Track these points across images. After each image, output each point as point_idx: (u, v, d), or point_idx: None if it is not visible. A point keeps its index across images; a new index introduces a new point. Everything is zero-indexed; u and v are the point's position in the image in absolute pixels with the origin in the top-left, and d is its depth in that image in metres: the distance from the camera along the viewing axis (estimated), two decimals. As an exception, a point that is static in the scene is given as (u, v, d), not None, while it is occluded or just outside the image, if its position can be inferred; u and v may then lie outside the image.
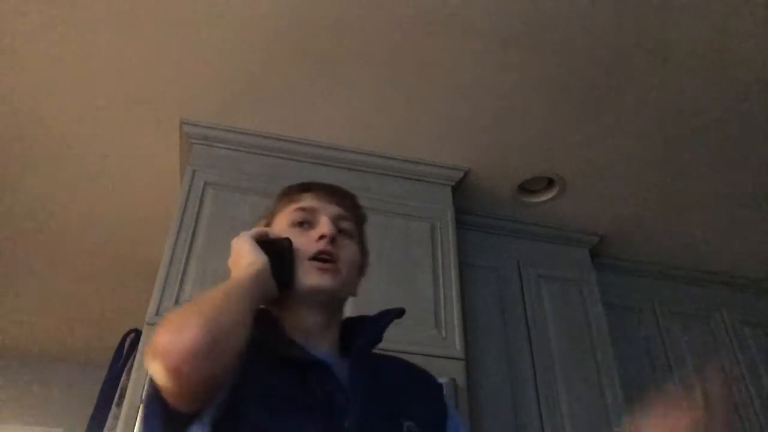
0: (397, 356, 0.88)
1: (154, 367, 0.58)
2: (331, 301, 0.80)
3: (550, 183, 2.27)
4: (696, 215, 2.39)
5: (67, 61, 1.77)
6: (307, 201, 0.84)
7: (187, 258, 1.72)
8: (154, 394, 0.63)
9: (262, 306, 0.77)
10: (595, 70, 1.79)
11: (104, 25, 1.67)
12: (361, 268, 0.88)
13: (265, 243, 0.78)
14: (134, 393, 1.44)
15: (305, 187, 0.87)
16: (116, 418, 1.56)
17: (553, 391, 2.00)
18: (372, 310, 0.85)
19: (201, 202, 1.85)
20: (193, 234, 1.77)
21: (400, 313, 0.84)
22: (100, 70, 1.80)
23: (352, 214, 0.87)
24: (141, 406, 0.67)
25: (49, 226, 2.50)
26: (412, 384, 0.83)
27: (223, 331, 0.60)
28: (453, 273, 1.93)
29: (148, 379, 0.63)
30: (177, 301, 1.62)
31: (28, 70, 1.81)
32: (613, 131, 2.01)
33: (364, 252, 0.89)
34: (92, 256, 2.69)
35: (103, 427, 1.72)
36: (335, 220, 0.83)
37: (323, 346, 0.78)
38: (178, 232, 1.76)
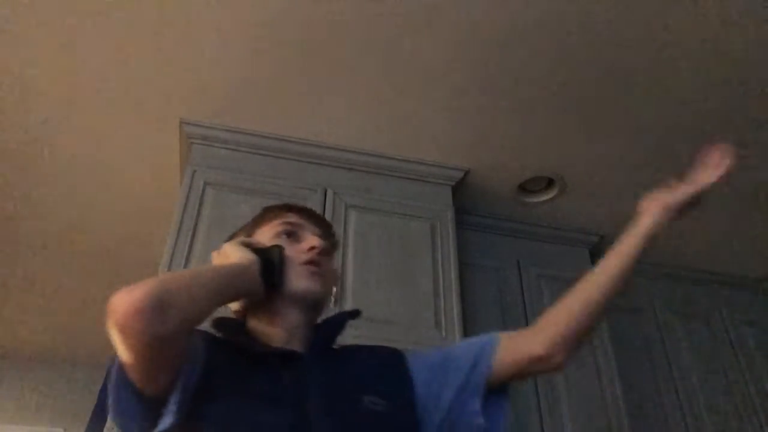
0: (369, 344, 0.95)
1: (108, 327, 0.61)
2: (314, 304, 0.87)
3: (550, 183, 2.27)
4: (696, 215, 2.38)
5: (67, 62, 1.78)
6: (293, 218, 0.92)
7: (187, 258, 1.71)
8: (122, 374, 0.66)
9: (239, 308, 0.86)
10: (595, 70, 1.79)
11: (104, 26, 1.67)
12: (336, 280, 0.98)
13: (256, 249, 0.84)
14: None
15: (288, 207, 0.95)
16: (116, 418, 1.56)
17: (553, 390, 2.00)
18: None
19: (201, 202, 1.85)
20: (193, 234, 1.77)
21: (354, 313, 0.92)
22: (100, 70, 1.81)
23: (328, 239, 0.94)
24: (109, 384, 0.69)
25: (48, 227, 2.50)
26: (374, 362, 0.88)
27: (173, 297, 0.64)
28: (453, 273, 1.93)
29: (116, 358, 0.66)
30: (177, 301, 1.63)
31: (28, 71, 1.81)
32: (613, 131, 2.01)
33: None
34: (92, 256, 2.69)
35: (103, 427, 1.72)
36: (319, 238, 0.91)
37: (299, 346, 0.83)
38: (178, 232, 1.76)
